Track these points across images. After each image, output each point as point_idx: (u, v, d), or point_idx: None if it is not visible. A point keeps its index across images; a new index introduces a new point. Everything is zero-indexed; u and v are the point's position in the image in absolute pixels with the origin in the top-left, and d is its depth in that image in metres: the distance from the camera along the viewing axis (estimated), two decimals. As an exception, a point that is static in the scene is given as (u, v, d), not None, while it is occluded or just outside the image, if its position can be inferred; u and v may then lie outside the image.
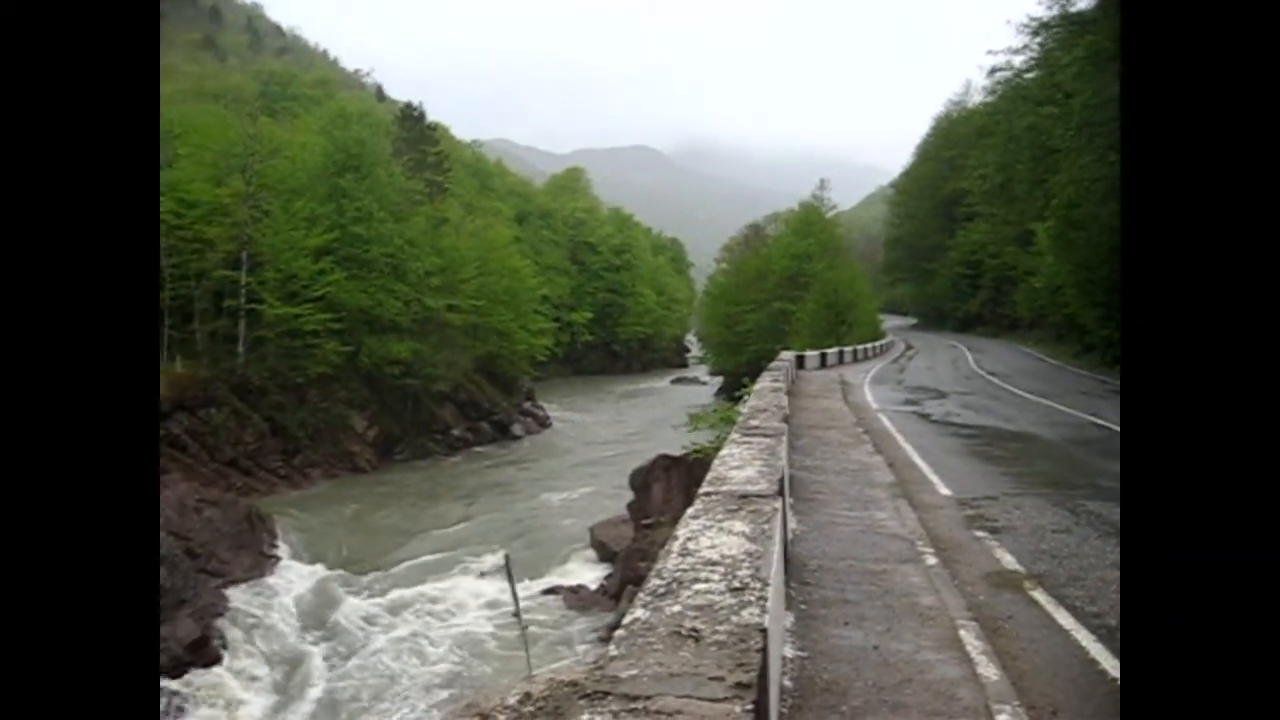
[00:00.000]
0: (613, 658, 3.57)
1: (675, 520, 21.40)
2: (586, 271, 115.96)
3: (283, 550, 31.98)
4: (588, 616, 26.15)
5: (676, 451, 30.04)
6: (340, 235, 49.82)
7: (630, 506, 31.41)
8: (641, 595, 4.24)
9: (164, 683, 22.89)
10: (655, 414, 68.33)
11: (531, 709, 8.36)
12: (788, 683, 6.41)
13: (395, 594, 28.78)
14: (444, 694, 21.74)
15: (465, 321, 58.48)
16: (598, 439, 59.72)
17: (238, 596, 27.79)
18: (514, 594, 15.98)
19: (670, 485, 29.15)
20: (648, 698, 3.21)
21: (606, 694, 3.25)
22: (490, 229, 72.56)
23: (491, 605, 27.25)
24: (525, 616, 21.05)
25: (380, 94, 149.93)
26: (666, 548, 5.14)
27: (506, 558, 18.52)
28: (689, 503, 6.35)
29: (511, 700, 8.67)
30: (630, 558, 26.50)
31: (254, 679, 23.75)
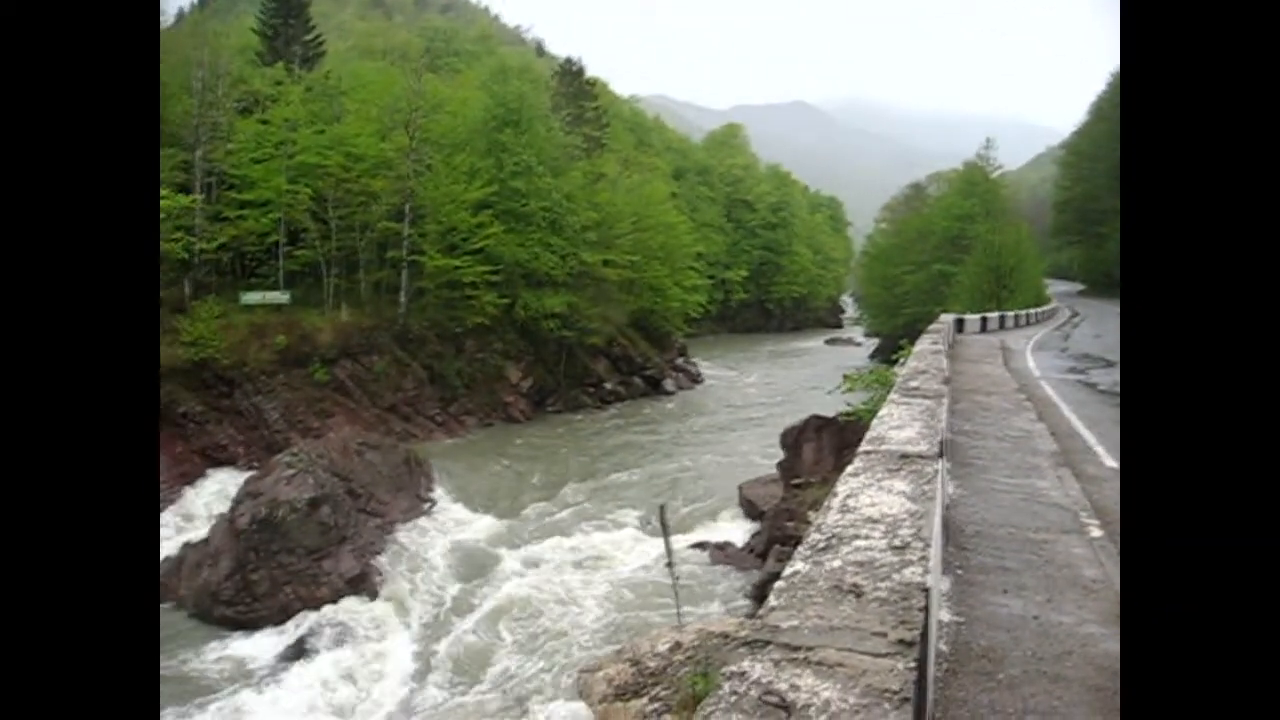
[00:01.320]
0: (773, 608, 3.54)
1: (825, 481, 21.09)
2: (742, 229, 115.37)
3: (438, 494, 32.98)
4: (734, 573, 26.21)
5: (829, 413, 29.70)
6: (499, 189, 50.65)
7: (780, 466, 31.26)
8: (801, 549, 4.19)
9: (327, 611, 23.99)
10: (807, 374, 67.73)
11: (682, 657, 8.42)
12: (943, 646, 6.27)
13: (546, 542, 29.39)
14: (593, 640, 22.15)
15: (620, 276, 58.93)
16: (749, 397, 59.57)
17: (395, 536, 28.83)
18: (667, 545, 16.11)
19: (821, 446, 28.87)
20: (809, 648, 3.17)
21: (767, 643, 3.22)
22: (647, 185, 72.72)
23: (640, 556, 27.58)
24: (664, 576, 21.22)
25: (540, 49, 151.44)
26: (826, 504, 5.06)
27: (662, 509, 18.69)
28: (840, 464, 6.26)
29: (662, 648, 8.76)
30: (778, 517, 26.41)
31: (408, 615, 24.64)
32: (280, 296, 44.27)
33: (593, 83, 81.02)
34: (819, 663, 3.05)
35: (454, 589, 26.18)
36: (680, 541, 28.36)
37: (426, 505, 31.86)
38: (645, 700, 7.93)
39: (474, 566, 27.58)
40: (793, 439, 30.63)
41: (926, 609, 3.64)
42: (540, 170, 53.27)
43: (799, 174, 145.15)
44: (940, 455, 6.98)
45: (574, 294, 53.12)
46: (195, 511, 32.06)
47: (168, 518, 32.14)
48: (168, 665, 22.31)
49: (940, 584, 7.14)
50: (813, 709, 2.83)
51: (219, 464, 35.62)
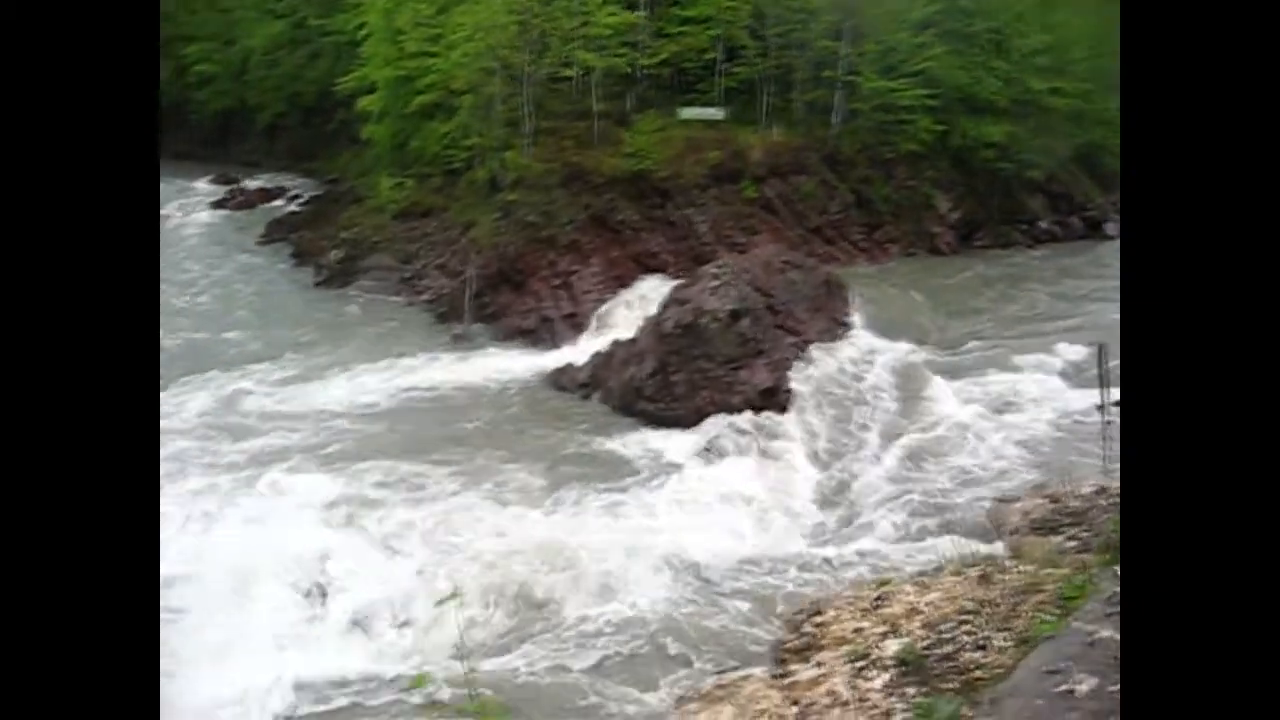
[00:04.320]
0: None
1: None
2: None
3: (855, 319, 32.97)
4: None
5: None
6: (944, 7, 47.96)
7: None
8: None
9: (737, 418, 25.00)
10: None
11: (1105, 502, 7.99)
12: None
13: (960, 377, 28.68)
14: (1003, 477, 21.66)
15: (1069, 106, 54.42)
16: (1202, 248, 53.99)
17: (809, 356, 29.29)
18: (1103, 386, 15.00)
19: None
20: None
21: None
22: (1110, 3, 66.08)
23: (1057, 402, 26.31)
24: (1093, 421, 20.03)
25: None
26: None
27: (1101, 349, 17.36)
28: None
29: (1086, 490, 8.35)
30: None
31: (815, 432, 25.19)
32: (715, 113, 45.12)
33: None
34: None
35: (862, 413, 26.37)
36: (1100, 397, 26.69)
37: (842, 329, 32.00)
38: (1062, 538, 7.63)
39: (883, 393, 27.56)
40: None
41: None
42: (990, -14, 49.93)
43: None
44: None
45: (1015, 123, 49.90)
46: (625, 312, 34.15)
47: (605, 308, 34.53)
48: (596, 447, 24.43)
49: None
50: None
51: (649, 270, 37.55)
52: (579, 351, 31.01)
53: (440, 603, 12.57)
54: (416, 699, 14.25)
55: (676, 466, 23.38)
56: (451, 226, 40.43)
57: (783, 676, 6.00)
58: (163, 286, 40.64)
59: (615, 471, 23.09)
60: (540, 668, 15.68)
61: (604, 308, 34.91)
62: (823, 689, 5.28)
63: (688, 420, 25.40)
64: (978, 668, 5.27)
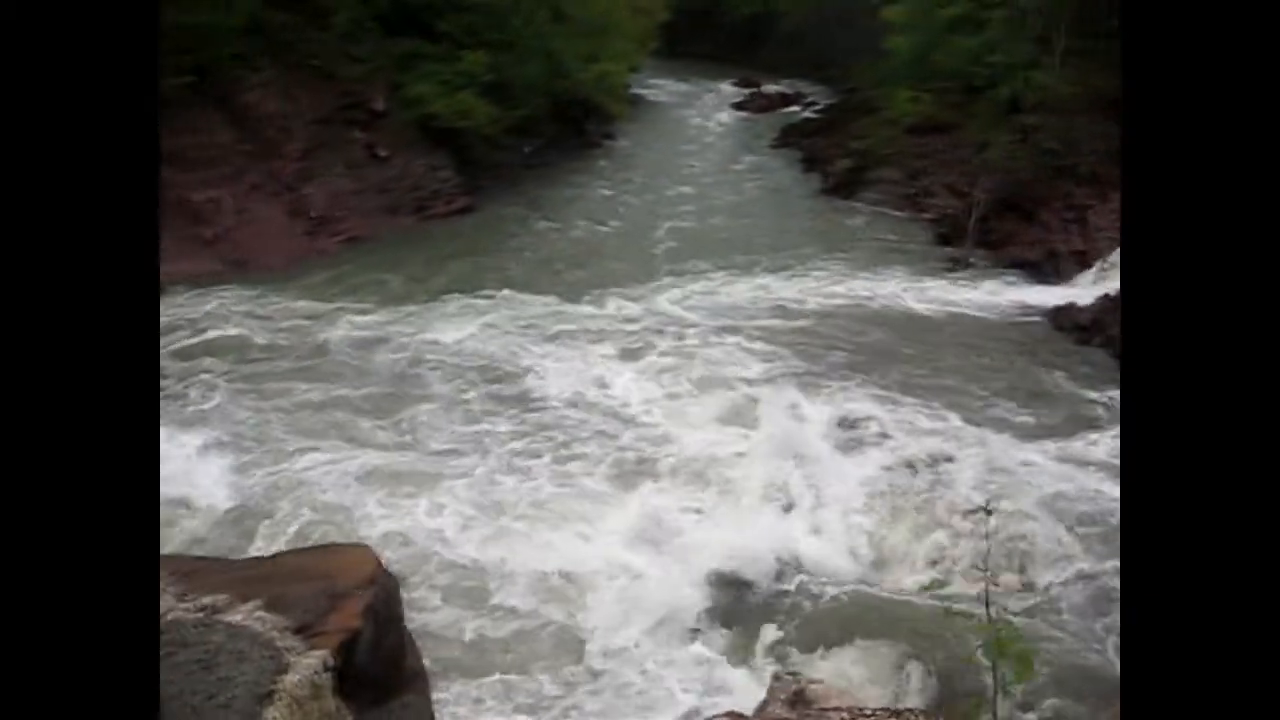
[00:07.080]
0: None
1: None
2: None
3: None
4: None
5: None
6: None
7: None
8: None
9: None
10: None
11: None
12: None
13: None
14: None
15: None
16: None
17: None
18: None
19: None
20: None
21: None
22: None
23: None
24: None
25: None
26: None
27: None
28: None
29: None
30: None
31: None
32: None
33: None
34: None
35: None
36: None
37: None
38: None
39: None
40: None
41: None
42: None
43: None
44: None
45: None
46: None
47: (1120, 249, 32.40)
48: (1089, 394, 23.27)
49: None
50: None
51: (1176, 211, 34.69)
52: (1084, 292, 29.39)
53: (970, 513, 12.55)
54: (928, 603, 14.39)
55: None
56: (963, 145, 39.54)
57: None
58: (679, 176, 43.47)
59: (1108, 424, 21.96)
60: (1040, 607, 15.41)
61: (1118, 248, 32.75)
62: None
63: None
64: None
